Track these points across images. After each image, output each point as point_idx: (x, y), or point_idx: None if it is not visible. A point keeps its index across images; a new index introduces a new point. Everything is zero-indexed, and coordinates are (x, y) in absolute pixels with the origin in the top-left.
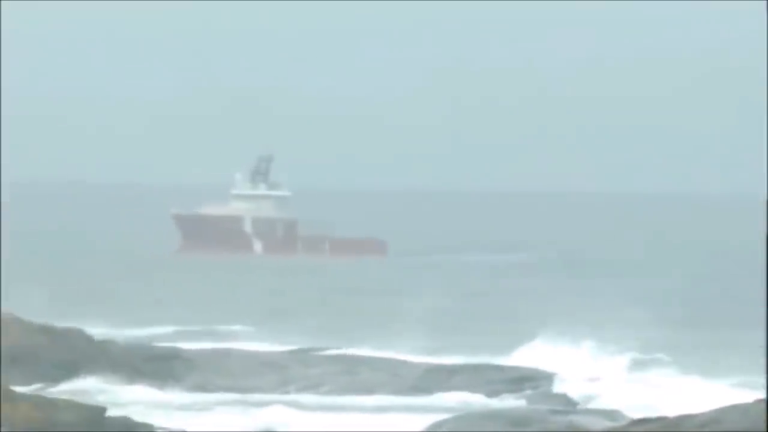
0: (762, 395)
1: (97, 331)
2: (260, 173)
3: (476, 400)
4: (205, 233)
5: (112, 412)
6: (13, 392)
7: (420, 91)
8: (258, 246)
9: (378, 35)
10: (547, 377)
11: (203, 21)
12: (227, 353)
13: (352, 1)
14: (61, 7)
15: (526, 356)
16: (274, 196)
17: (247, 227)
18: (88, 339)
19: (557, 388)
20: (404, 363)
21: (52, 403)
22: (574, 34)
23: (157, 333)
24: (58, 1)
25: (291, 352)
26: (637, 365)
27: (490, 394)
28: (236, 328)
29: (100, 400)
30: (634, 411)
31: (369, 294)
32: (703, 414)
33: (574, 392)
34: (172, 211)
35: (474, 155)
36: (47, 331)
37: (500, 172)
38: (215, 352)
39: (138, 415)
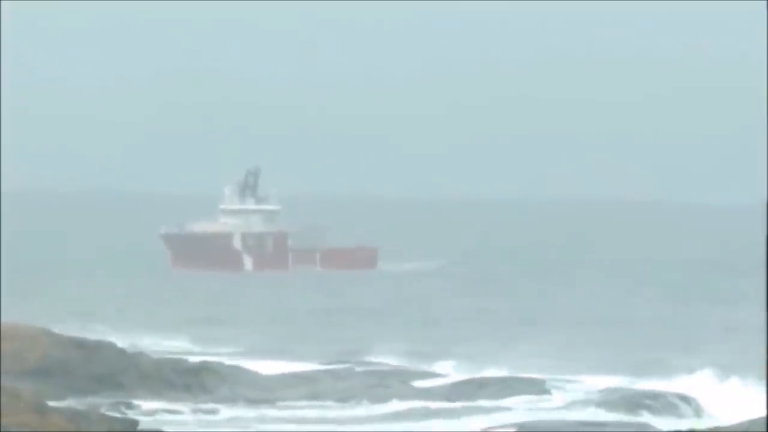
0: None
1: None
2: (249, 187)
3: (506, 412)
4: (195, 252)
5: (144, 425)
6: (46, 405)
7: (407, 91)
8: (248, 262)
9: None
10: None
11: (190, 20)
12: (257, 367)
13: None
14: (51, 7)
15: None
16: (263, 211)
17: (237, 243)
18: (120, 352)
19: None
20: (435, 375)
21: (85, 416)
22: (569, 36)
23: (183, 348)
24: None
25: (320, 365)
26: None
27: (518, 405)
28: (260, 343)
29: (132, 412)
30: None
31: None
32: (733, 426)
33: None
34: (161, 231)
35: (469, 158)
36: (79, 344)
37: (490, 178)
38: (245, 366)
39: (170, 428)
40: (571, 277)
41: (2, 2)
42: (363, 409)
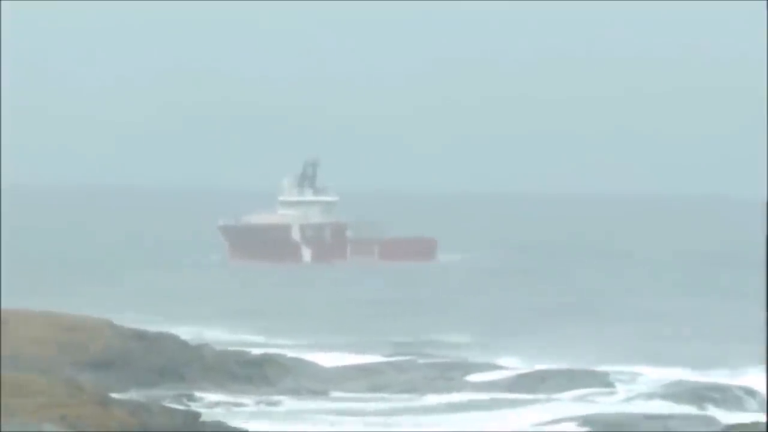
0: None
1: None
2: (307, 178)
3: (569, 404)
4: (253, 243)
5: (206, 417)
6: (109, 397)
7: (407, 91)
8: (307, 253)
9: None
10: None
11: (190, 20)
12: (319, 359)
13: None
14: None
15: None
16: (322, 202)
17: (295, 235)
18: (183, 344)
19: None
20: (498, 367)
21: (147, 408)
22: (569, 36)
23: (248, 340)
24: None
25: (383, 357)
26: None
27: (581, 397)
28: (322, 335)
29: (194, 404)
30: None
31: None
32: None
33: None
34: (219, 223)
35: (470, 155)
36: (141, 336)
37: (496, 173)
38: (307, 358)
39: (232, 420)
40: (620, 270)
41: (2, 2)
42: (424, 401)
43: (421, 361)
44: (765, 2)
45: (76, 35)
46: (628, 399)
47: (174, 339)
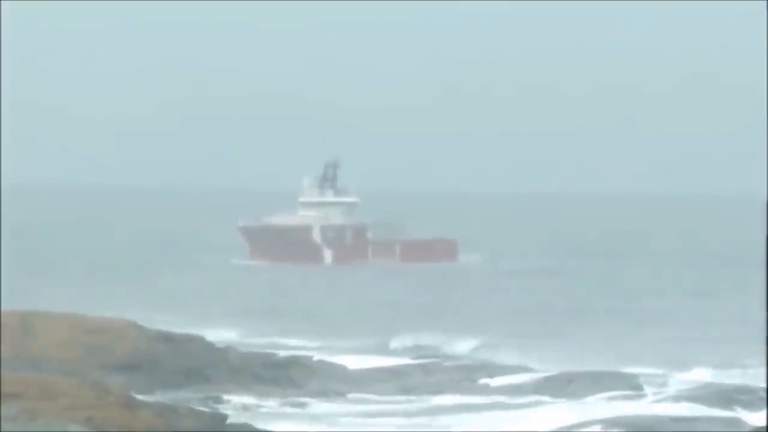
0: None
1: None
2: (328, 179)
3: (596, 407)
4: (274, 244)
5: (233, 419)
6: (135, 399)
7: (407, 89)
8: (328, 255)
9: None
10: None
11: (190, 20)
12: (345, 361)
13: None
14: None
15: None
16: (343, 203)
17: (316, 236)
18: (209, 346)
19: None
20: (524, 369)
21: (174, 410)
22: (569, 36)
23: (276, 342)
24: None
25: (411, 359)
26: None
27: (608, 400)
28: (347, 336)
29: (221, 406)
30: None
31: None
32: None
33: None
34: (239, 224)
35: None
36: (167, 338)
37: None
38: (333, 360)
39: (259, 422)
40: (643, 270)
41: (2, 2)
42: (450, 402)
43: (446, 363)
44: (765, 2)
45: (76, 35)
46: (656, 401)
47: (200, 341)
